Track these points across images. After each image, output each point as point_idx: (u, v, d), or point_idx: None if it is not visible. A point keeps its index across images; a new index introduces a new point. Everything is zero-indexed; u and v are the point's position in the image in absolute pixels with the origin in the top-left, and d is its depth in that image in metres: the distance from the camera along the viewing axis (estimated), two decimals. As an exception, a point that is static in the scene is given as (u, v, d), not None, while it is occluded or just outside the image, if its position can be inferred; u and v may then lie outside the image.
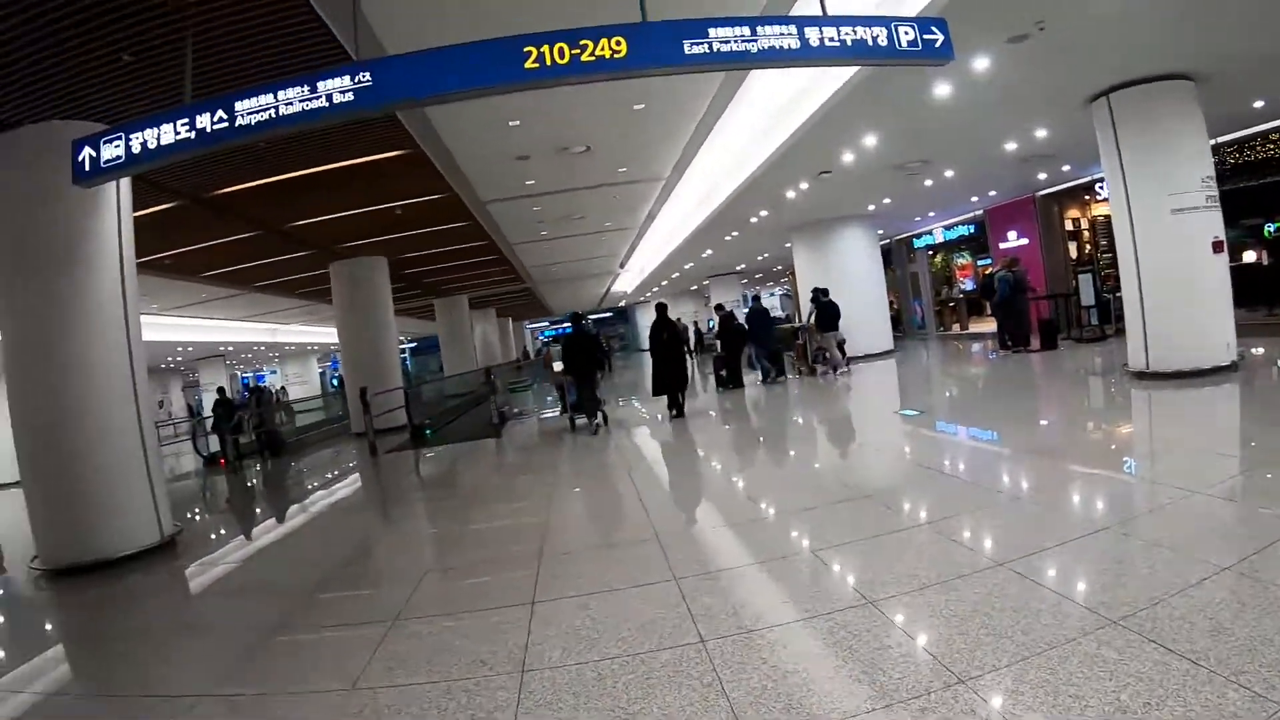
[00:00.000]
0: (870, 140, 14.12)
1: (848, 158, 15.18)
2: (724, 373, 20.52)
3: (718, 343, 22.09)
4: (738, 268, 38.14)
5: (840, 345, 20.79)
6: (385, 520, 11.19)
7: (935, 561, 5.46)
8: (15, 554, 11.81)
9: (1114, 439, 9.36)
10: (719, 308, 22.93)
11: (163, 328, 28.97)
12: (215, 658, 5.99)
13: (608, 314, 71.61)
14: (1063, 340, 19.78)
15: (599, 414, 16.04)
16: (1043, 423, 11.08)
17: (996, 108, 12.83)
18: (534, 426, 19.26)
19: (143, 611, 8.06)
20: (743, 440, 13.41)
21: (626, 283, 40.82)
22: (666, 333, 16.57)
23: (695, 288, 45.35)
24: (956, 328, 29.23)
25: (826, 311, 20.51)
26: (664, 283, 41.16)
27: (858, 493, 7.97)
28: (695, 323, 43.99)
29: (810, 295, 21.14)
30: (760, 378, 20.50)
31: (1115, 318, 18.51)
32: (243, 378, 58.12)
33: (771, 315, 23.00)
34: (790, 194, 18.34)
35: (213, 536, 11.63)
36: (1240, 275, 13.45)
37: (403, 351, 63.07)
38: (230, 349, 41.02)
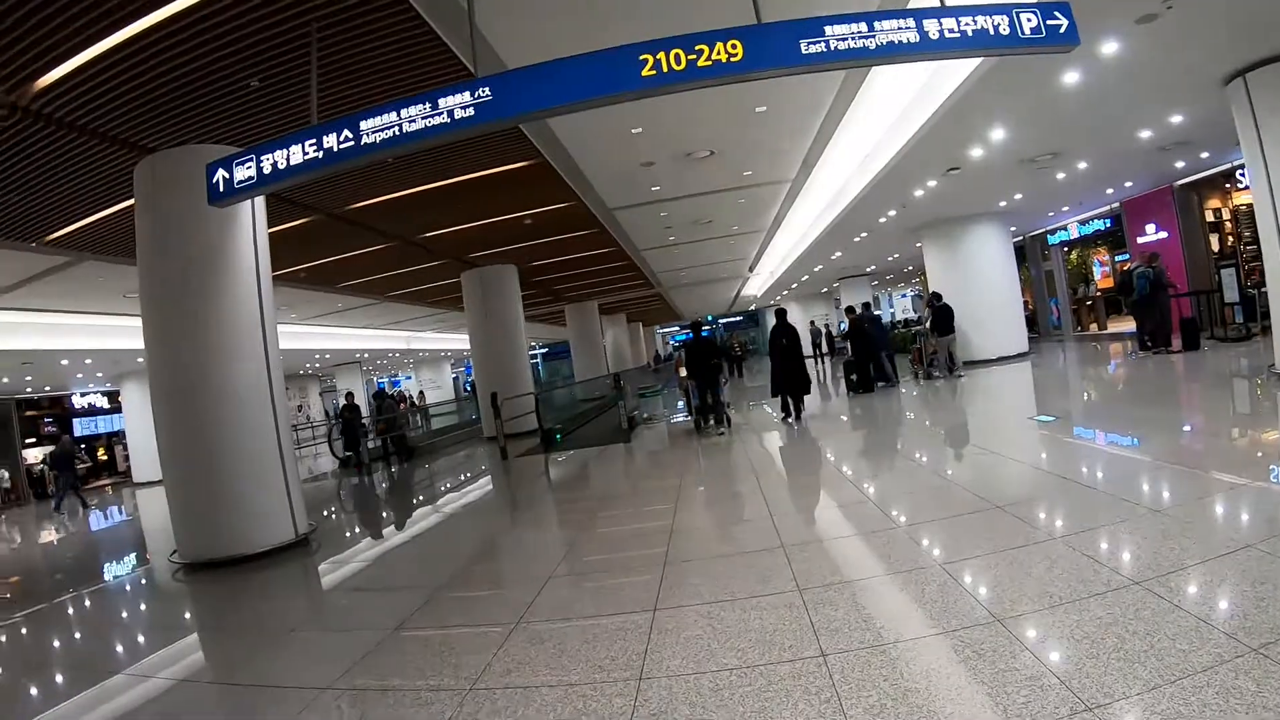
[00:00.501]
0: (998, 134, 13.75)
1: (976, 153, 14.82)
2: (854, 376, 20.26)
3: (848, 345, 21.80)
4: (868, 269, 37.53)
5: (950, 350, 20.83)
6: (512, 523, 11.32)
7: (1068, 578, 5.21)
8: (156, 548, 12.32)
9: (1261, 447, 8.80)
10: (849, 310, 22.72)
11: (301, 336, 29.85)
12: (339, 651, 6.16)
13: (738, 318, 71.30)
14: (1205, 340, 18.79)
15: (724, 417, 16.61)
16: (1185, 429, 10.46)
17: (1127, 94, 12.35)
18: (663, 431, 19.33)
19: (273, 605, 8.33)
20: (870, 446, 13.16)
21: (756, 286, 40.54)
22: (785, 338, 16.63)
23: (826, 290, 44.78)
24: (1094, 327, 28.12)
25: (942, 315, 20.78)
26: (794, 285, 40.75)
27: (989, 503, 7.62)
28: (827, 325, 43.59)
29: (926, 300, 21.43)
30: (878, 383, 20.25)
31: (1261, 315, 17.43)
32: (379, 382, 59.46)
33: (880, 321, 22.69)
34: (918, 193, 18.00)
35: (345, 535, 11.96)
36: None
37: (534, 357, 63.86)
38: (366, 355, 41.95)
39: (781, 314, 17.23)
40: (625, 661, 4.90)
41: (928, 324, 20.81)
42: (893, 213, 20.49)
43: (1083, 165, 17.78)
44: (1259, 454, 8.29)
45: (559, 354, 59.11)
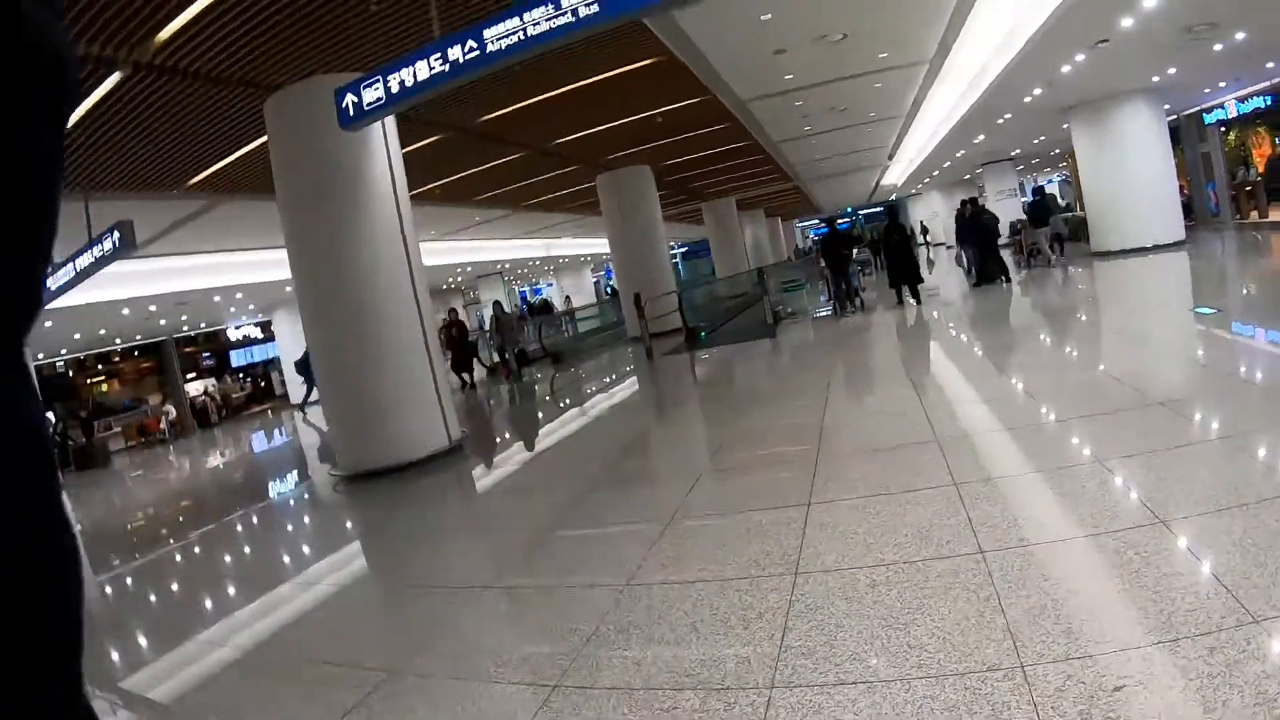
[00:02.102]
0: (1151, 0, 12.98)
1: (1127, 22, 14.02)
2: (973, 269, 20.94)
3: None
4: (1012, 154, 36.15)
5: (1060, 239, 23.57)
6: (661, 422, 11.50)
7: (1233, 481, 4.85)
8: (315, 464, 12.78)
9: None
10: (963, 202, 22.60)
11: (441, 253, 30.27)
12: (498, 553, 6.43)
13: (878, 209, 69.97)
14: None
15: (859, 301, 19.45)
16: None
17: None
18: (807, 323, 19.56)
19: (431, 511, 8.64)
20: (1010, 339, 13.00)
21: (896, 174, 39.52)
22: (897, 235, 19.04)
23: (968, 177, 43.46)
24: (1254, 215, 26.09)
25: (1037, 209, 23.14)
26: (935, 173, 39.80)
27: (1148, 399, 7.31)
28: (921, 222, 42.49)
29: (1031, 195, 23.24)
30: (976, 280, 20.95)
31: None
32: (520, 291, 60.15)
33: (988, 210, 22.63)
34: (1065, 69, 17.17)
35: (497, 441, 12.23)
36: None
37: (674, 257, 63.80)
38: (506, 266, 42.55)
39: (894, 213, 20.04)
40: (780, 556, 4.90)
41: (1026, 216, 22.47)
42: (1038, 91, 19.57)
43: (1241, 35, 16.68)
44: None
45: (699, 253, 58.69)
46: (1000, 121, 24.14)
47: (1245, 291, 14.01)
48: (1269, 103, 24.76)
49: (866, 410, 9.31)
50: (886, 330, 15.82)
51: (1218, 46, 17.17)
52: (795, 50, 13.95)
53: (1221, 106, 26.56)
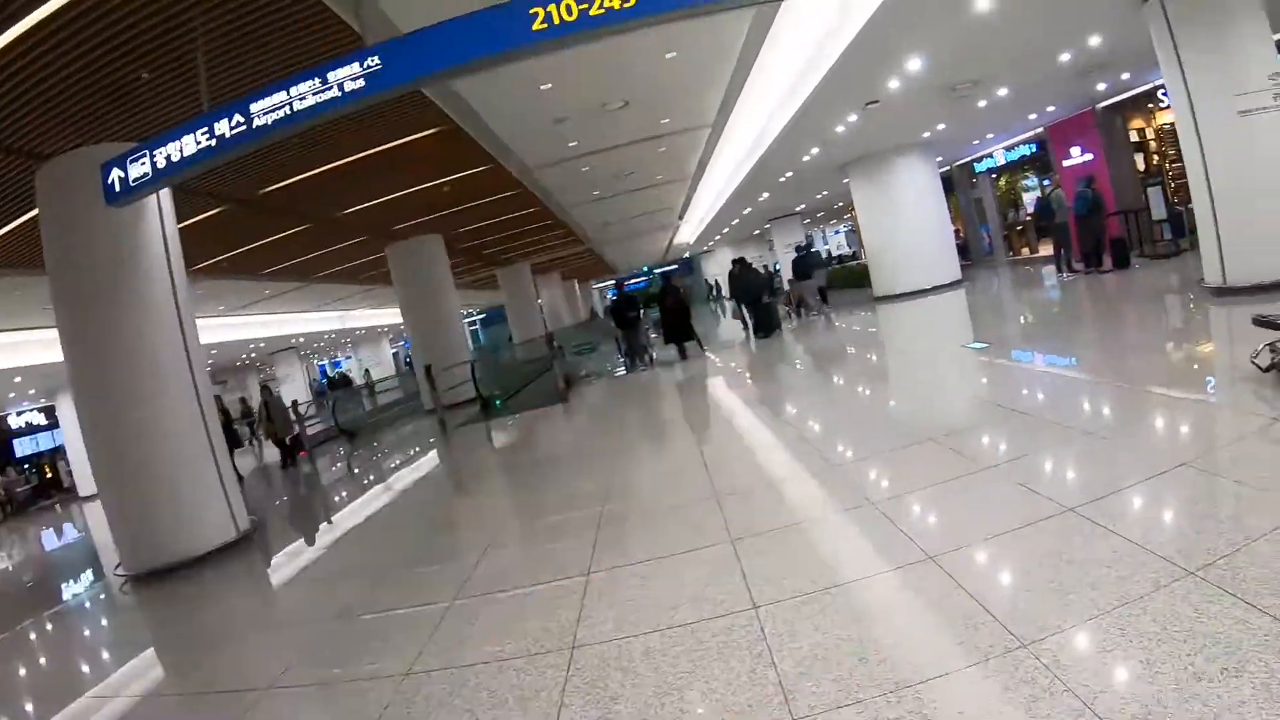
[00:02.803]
0: (914, 64, 13.55)
1: (893, 84, 14.66)
2: (753, 321, 22.11)
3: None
4: (797, 209, 37.51)
5: (823, 291, 25.50)
6: (445, 498, 11.41)
7: (1001, 508, 5.19)
8: (106, 560, 12.08)
9: (1192, 361, 8.82)
10: (734, 261, 23.73)
11: (232, 327, 29.42)
12: (281, 649, 6.14)
13: (673, 267, 71.23)
14: (1136, 258, 19.12)
15: (648, 358, 20.65)
16: (1116, 347, 10.54)
17: (1043, 16, 12.26)
18: (600, 384, 19.74)
19: (215, 610, 8.17)
20: (790, 386, 13.68)
21: (688, 233, 40.38)
22: (670, 298, 20.26)
23: (758, 232, 44.77)
24: (1025, 251, 28.28)
25: (800, 265, 24.86)
26: (725, 230, 40.73)
27: (920, 435, 7.62)
28: (765, 266, 43.77)
29: (795, 252, 25.48)
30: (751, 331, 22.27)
31: (1190, 231, 17.52)
32: (320, 366, 58.77)
33: (754, 269, 24.19)
34: (839, 129, 17.84)
35: (283, 529, 11.78)
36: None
37: (473, 324, 63.45)
38: (302, 340, 41.17)
39: (666, 277, 22.38)
40: (559, 630, 4.89)
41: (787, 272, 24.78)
42: (815, 150, 20.35)
43: (1003, 91, 17.70)
44: (1194, 368, 8.29)
45: (498, 319, 58.65)
46: (782, 180, 24.94)
47: (1019, 323, 15.02)
48: (1034, 150, 26.66)
49: (650, 471, 9.32)
50: (671, 386, 16.25)
51: (982, 102, 18.18)
52: (577, 118, 14.09)
53: (990, 155, 28.54)
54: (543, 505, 8.88)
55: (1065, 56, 15.39)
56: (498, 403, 19.66)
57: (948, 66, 14.28)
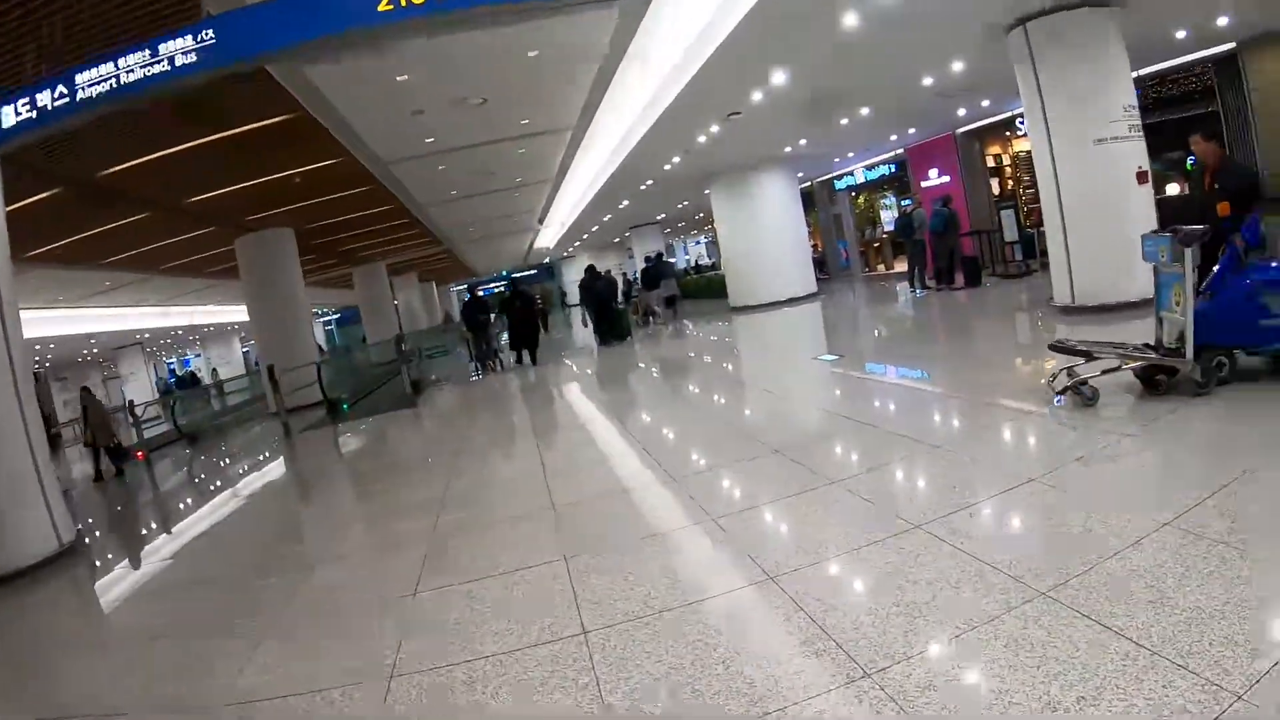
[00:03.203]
0: (779, 78, 13.63)
1: (757, 97, 14.73)
2: (604, 327, 23.19)
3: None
4: (658, 217, 37.86)
5: (672, 300, 26.61)
6: (275, 510, 10.77)
7: (846, 525, 5.09)
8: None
9: (1042, 377, 8.94)
10: (586, 270, 25.07)
11: (70, 320, 28.11)
12: (99, 671, 5.66)
13: (533, 271, 71.01)
14: (987, 277, 19.87)
15: (499, 362, 21.78)
16: (965, 362, 10.81)
17: (909, 40, 12.47)
18: (450, 389, 19.83)
19: (32, 627, 7.58)
20: (636, 394, 13.75)
21: (548, 238, 40.13)
22: (520, 301, 21.41)
23: (618, 239, 44.96)
24: (881, 268, 29.21)
25: (649, 275, 26.60)
26: (585, 236, 40.82)
27: (764, 449, 7.55)
28: (625, 274, 43.80)
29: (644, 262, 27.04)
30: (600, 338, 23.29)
31: (1040, 253, 18.35)
32: (168, 364, 56.84)
33: (603, 276, 24.99)
34: (701, 138, 17.94)
35: (112, 539, 11.14)
36: (1165, 209, 12.96)
37: (327, 324, 62.15)
38: (147, 335, 39.67)
39: (514, 284, 23.07)
40: (378, 658, 4.55)
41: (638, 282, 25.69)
42: (677, 159, 20.43)
43: (866, 111, 18.06)
44: (1041, 382, 8.37)
45: (353, 319, 57.52)
46: (643, 188, 24.95)
47: (873, 336, 15.40)
48: (894, 170, 27.41)
49: (489, 480, 9.02)
50: (520, 391, 16.52)
51: (844, 121, 18.48)
52: (435, 112, 13.68)
53: (851, 173, 29.33)
54: (375, 516, 8.65)
55: (928, 80, 15.71)
56: (345, 406, 19.11)
57: (812, 83, 14.39)
